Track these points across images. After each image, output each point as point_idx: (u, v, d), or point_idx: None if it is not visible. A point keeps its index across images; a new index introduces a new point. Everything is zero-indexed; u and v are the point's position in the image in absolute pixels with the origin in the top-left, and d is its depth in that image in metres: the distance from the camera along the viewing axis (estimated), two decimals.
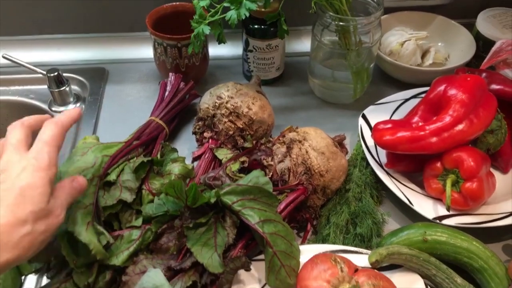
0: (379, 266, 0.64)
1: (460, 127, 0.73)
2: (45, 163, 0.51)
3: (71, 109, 0.59)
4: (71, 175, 0.58)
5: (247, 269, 0.65)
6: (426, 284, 0.65)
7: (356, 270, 0.62)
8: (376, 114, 0.89)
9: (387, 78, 1.04)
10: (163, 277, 0.57)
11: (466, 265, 0.67)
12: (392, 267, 0.67)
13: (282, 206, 0.71)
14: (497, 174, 0.83)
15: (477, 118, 0.73)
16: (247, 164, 0.73)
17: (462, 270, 0.68)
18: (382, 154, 0.82)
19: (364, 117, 0.89)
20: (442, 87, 0.76)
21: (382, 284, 0.59)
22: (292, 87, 1.04)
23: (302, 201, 0.75)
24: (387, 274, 0.66)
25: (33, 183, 0.50)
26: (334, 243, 0.71)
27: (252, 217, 0.64)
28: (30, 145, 0.54)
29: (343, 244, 0.72)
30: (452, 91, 0.74)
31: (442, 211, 0.74)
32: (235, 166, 0.72)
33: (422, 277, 0.66)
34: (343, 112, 0.98)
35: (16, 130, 0.54)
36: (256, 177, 0.67)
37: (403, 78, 1.01)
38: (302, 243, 0.75)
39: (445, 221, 0.72)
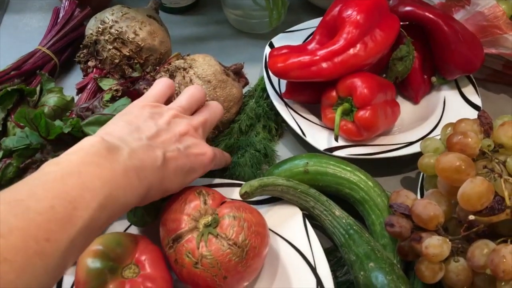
0: (250, 199, 0.60)
1: (353, 50, 0.67)
2: None
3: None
4: None
5: None
6: (304, 216, 0.61)
7: (223, 202, 0.58)
8: (286, 42, 0.83)
9: (308, 6, 0.97)
10: None
11: (348, 196, 0.63)
12: (273, 200, 0.63)
13: None
14: (408, 105, 0.79)
15: (373, 41, 0.67)
16: (120, 93, 0.67)
17: (346, 203, 0.64)
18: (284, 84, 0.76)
19: (271, 45, 0.83)
20: (338, 8, 0.69)
21: (244, 216, 0.55)
22: (207, 16, 0.97)
23: None
24: (266, 207, 0.63)
25: None
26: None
27: None
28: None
29: None
30: (347, 12, 0.67)
31: (335, 142, 0.70)
32: (108, 96, 0.67)
33: (301, 209, 0.62)
34: (258, 42, 0.91)
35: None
36: (122, 106, 0.62)
37: (323, 5, 0.94)
38: None
39: (336, 152, 0.68)
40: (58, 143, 0.61)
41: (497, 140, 0.55)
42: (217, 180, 0.64)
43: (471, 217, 0.47)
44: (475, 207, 0.50)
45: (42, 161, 0.60)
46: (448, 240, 0.52)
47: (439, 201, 0.55)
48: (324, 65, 0.67)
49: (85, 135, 0.61)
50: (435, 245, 0.51)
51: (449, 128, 0.61)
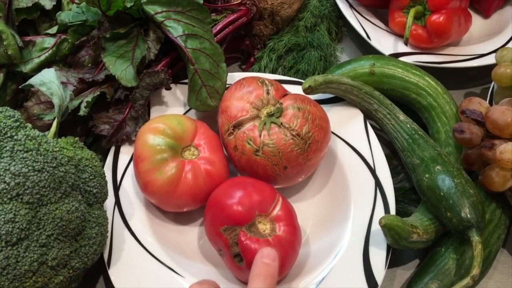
0: (313, 94, 0.57)
1: None
2: None
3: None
4: None
5: (167, 88, 0.59)
6: (366, 118, 0.59)
7: (285, 95, 0.55)
8: None
9: None
10: (54, 75, 0.51)
11: (414, 102, 0.60)
12: (335, 100, 0.61)
13: (219, 27, 0.63)
14: (478, 19, 0.73)
15: None
16: None
17: (409, 109, 0.61)
18: None
19: None
20: None
21: (309, 109, 0.53)
22: None
23: (247, 27, 0.67)
24: (327, 107, 0.60)
25: None
26: (272, 72, 0.65)
27: (175, 30, 0.57)
28: None
29: None
30: None
31: (402, 47, 0.66)
32: None
33: (363, 112, 0.59)
34: None
35: None
36: None
37: None
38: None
39: (402, 59, 0.64)
40: (116, 20, 0.59)
41: None
42: (278, 76, 0.62)
43: None
44: None
45: (99, 38, 0.58)
46: None
47: None
48: None
49: (145, 13, 0.58)
50: (510, 150, 0.48)
51: None
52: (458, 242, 0.51)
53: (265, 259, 0.43)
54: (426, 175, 0.52)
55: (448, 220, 0.49)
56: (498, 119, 0.51)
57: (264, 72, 0.66)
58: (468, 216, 0.48)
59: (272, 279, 0.42)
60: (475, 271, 0.45)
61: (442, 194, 0.50)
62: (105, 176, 0.49)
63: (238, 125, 0.53)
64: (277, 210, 0.49)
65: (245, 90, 0.54)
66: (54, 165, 0.42)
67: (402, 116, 0.58)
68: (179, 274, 0.50)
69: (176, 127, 0.52)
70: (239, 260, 0.47)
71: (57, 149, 0.43)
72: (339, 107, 0.60)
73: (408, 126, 0.57)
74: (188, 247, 0.54)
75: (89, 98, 0.55)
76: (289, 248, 0.48)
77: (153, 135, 0.51)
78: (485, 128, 0.53)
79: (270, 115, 0.53)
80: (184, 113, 0.59)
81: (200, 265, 0.52)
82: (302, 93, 0.57)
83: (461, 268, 0.49)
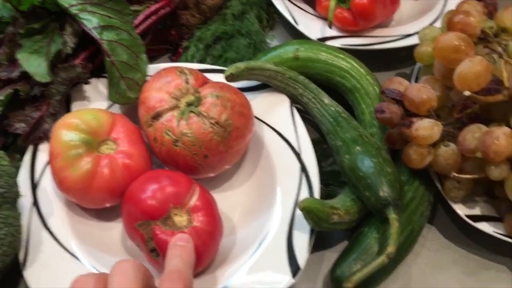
0: (235, 81, 0.57)
1: None
2: None
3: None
4: None
5: (86, 82, 0.57)
6: (292, 103, 0.58)
7: (206, 83, 0.55)
8: None
9: None
10: None
11: (339, 85, 0.60)
12: (260, 87, 0.60)
13: (140, 18, 0.62)
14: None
15: None
16: None
17: (338, 93, 0.61)
18: None
19: None
20: None
21: (228, 96, 0.52)
22: None
23: (173, 17, 0.66)
24: (253, 94, 0.59)
25: None
26: (201, 62, 0.64)
27: (90, 22, 0.56)
28: None
29: None
30: None
31: (330, 32, 0.66)
32: None
33: (289, 97, 0.59)
34: None
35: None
36: None
37: None
38: None
39: (329, 42, 0.64)
40: (32, 16, 0.57)
41: (500, 23, 0.51)
42: (201, 66, 0.61)
43: (467, 92, 0.45)
44: (471, 87, 0.47)
45: (14, 35, 0.56)
46: (439, 123, 0.49)
47: (433, 87, 0.52)
48: None
49: (59, 7, 0.56)
50: (425, 127, 0.49)
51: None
52: (380, 221, 0.51)
53: (179, 241, 0.42)
54: (347, 156, 0.52)
55: (367, 199, 0.49)
56: (414, 96, 0.51)
57: (192, 62, 0.65)
58: (386, 194, 0.48)
59: (189, 257, 0.41)
60: (390, 248, 0.45)
61: (361, 174, 0.50)
62: (15, 175, 0.47)
63: (157, 116, 0.52)
64: (193, 201, 0.48)
65: (163, 81, 0.53)
66: None
67: (327, 100, 0.57)
68: (99, 271, 0.49)
69: (91, 121, 0.51)
70: (156, 254, 0.46)
71: None
72: (266, 94, 0.60)
73: (333, 109, 0.56)
74: (112, 243, 0.53)
75: (1, 97, 0.53)
76: (207, 238, 0.47)
77: (67, 131, 0.50)
78: (404, 106, 0.53)
79: (189, 104, 0.52)
80: (107, 108, 0.58)
81: None
82: (226, 81, 0.57)
83: (383, 246, 0.49)
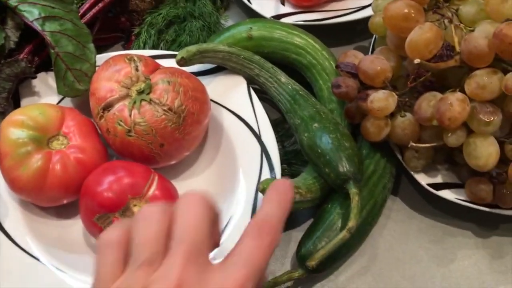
0: (188, 65, 0.55)
1: None
2: None
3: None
4: None
5: (32, 77, 0.55)
6: (249, 85, 0.57)
7: (157, 69, 0.53)
8: None
9: None
10: None
11: (295, 62, 0.59)
12: (216, 70, 0.59)
13: (86, 6, 0.59)
14: None
15: None
16: None
17: (295, 70, 0.60)
18: None
19: None
20: None
21: (180, 81, 0.51)
22: None
23: (122, 3, 0.64)
24: (209, 78, 0.58)
25: None
26: (154, 48, 0.62)
27: (31, 13, 0.53)
28: None
29: None
30: None
31: (284, 8, 0.64)
32: None
33: (246, 78, 0.58)
34: None
35: None
36: None
37: None
38: None
39: (284, 20, 0.63)
40: None
41: None
42: (153, 52, 0.59)
43: (417, 60, 0.44)
44: (423, 55, 0.46)
45: None
46: (394, 94, 0.49)
47: (387, 57, 0.51)
48: None
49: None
50: (380, 98, 0.48)
51: None
52: (342, 197, 0.50)
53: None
54: (306, 134, 0.51)
55: (327, 176, 0.49)
56: (368, 68, 0.50)
57: (145, 49, 0.63)
58: (345, 169, 0.48)
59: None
60: (351, 223, 0.45)
61: (319, 151, 0.49)
62: None
63: (108, 107, 0.50)
64: (152, 190, 0.47)
65: (112, 70, 0.52)
66: None
67: (283, 78, 0.56)
68: (61, 270, 0.48)
69: (38, 117, 0.49)
70: None
71: None
72: (222, 76, 0.58)
73: (290, 87, 0.56)
74: (74, 241, 0.51)
75: None
76: None
77: (13, 128, 0.48)
78: (360, 80, 0.52)
79: (139, 92, 0.50)
80: (58, 102, 0.56)
81: (87, 258, 0.50)
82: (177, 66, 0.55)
83: (346, 222, 0.49)
